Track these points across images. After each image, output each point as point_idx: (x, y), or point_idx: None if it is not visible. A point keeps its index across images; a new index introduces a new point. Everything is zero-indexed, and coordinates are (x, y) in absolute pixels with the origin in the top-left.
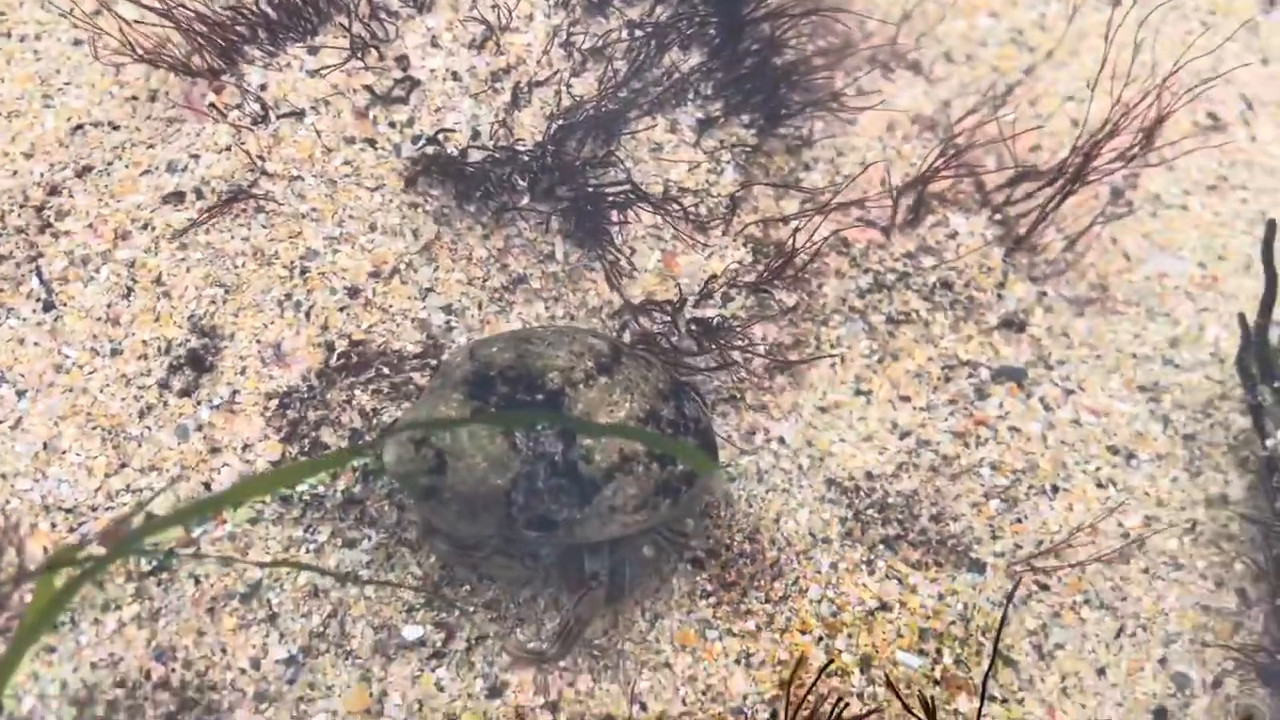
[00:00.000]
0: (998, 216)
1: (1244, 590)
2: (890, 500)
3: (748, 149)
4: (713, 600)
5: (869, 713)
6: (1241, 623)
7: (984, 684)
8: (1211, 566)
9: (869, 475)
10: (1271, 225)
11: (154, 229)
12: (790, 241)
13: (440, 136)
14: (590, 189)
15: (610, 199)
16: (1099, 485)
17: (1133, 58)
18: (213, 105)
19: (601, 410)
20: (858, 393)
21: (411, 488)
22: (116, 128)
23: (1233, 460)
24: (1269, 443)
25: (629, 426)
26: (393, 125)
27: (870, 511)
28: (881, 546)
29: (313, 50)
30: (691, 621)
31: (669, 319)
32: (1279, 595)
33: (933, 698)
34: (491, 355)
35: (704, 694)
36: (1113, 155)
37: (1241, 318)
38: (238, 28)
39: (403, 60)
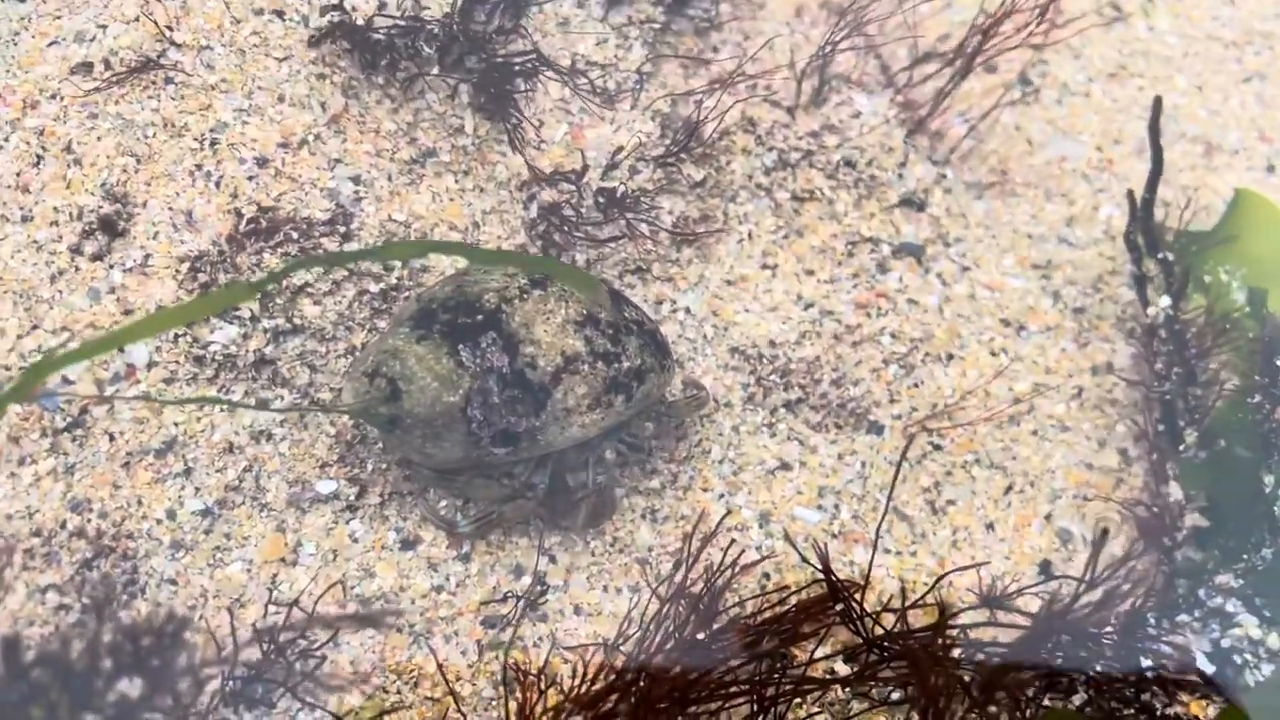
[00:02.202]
0: (900, 98)
1: (1125, 450)
2: (792, 366)
3: (656, 26)
4: (620, 461)
5: (763, 558)
6: (1123, 479)
7: (876, 536)
8: (1096, 429)
9: (772, 343)
10: (1158, 102)
11: (63, 99)
12: (695, 113)
13: (346, 4)
14: (498, 59)
15: (517, 68)
16: (991, 354)
17: None
18: None
19: (538, 319)
20: (764, 267)
21: (375, 420)
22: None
23: (1119, 331)
24: (1151, 311)
25: (508, 252)
26: None
27: (773, 377)
28: (783, 410)
29: None
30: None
31: (574, 189)
32: (1156, 451)
33: (825, 547)
34: (433, 292)
35: (611, 545)
36: (1013, 36)
37: (1130, 194)
38: None
39: None
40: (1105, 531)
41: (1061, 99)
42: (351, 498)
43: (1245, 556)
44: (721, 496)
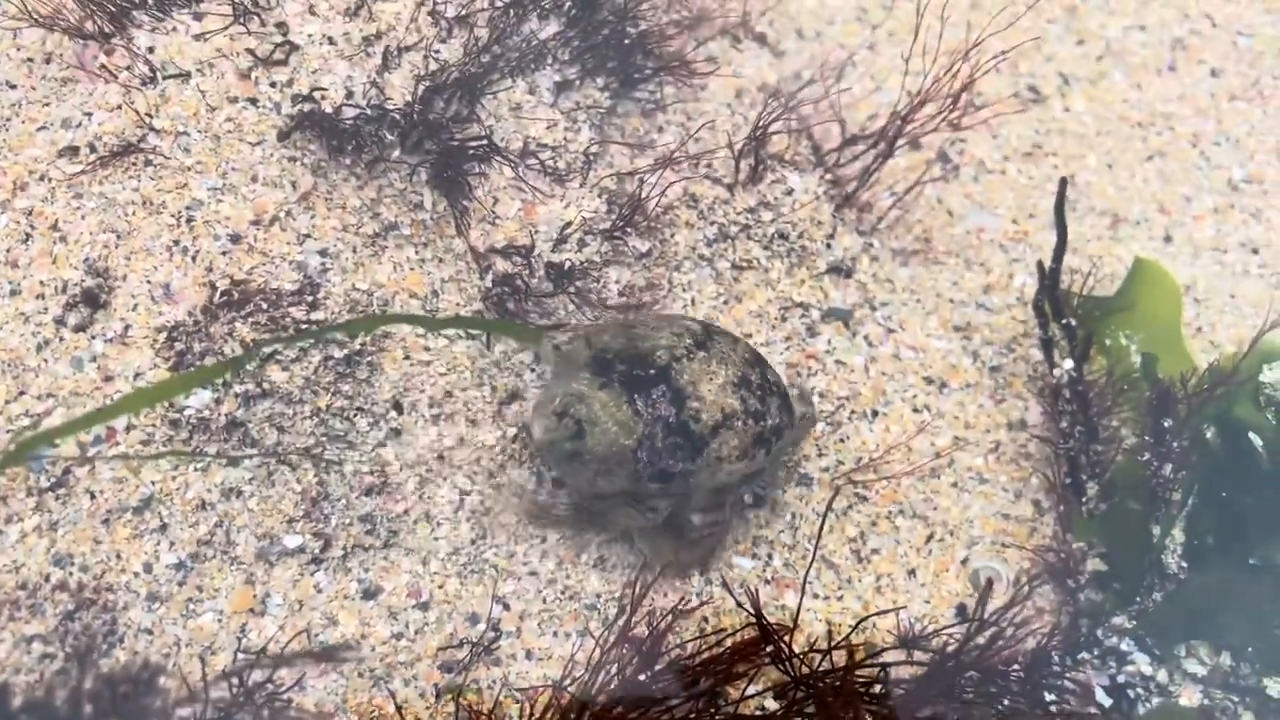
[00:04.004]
0: (829, 176)
1: (1038, 500)
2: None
3: (602, 110)
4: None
5: (702, 604)
6: (1036, 528)
7: (804, 583)
8: (1011, 480)
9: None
10: (1063, 183)
11: (50, 180)
12: (637, 190)
13: (316, 95)
14: (454, 144)
15: (470, 152)
16: (914, 410)
17: (939, 35)
18: (104, 67)
19: (704, 378)
20: None
21: (558, 453)
22: (14, 87)
23: (1031, 389)
24: (1056, 372)
25: (454, 317)
26: (273, 85)
27: None
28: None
29: (198, 16)
30: (566, 536)
31: (524, 262)
32: (1064, 504)
33: (756, 592)
34: (606, 343)
35: (562, 593)
36: (936, 119)
37: (1040, 264)
38: None
39: (282, 26)
40: (990, 582)
41: (978, 175)
42: (316, 551)
43: (1138, 600)
44: None
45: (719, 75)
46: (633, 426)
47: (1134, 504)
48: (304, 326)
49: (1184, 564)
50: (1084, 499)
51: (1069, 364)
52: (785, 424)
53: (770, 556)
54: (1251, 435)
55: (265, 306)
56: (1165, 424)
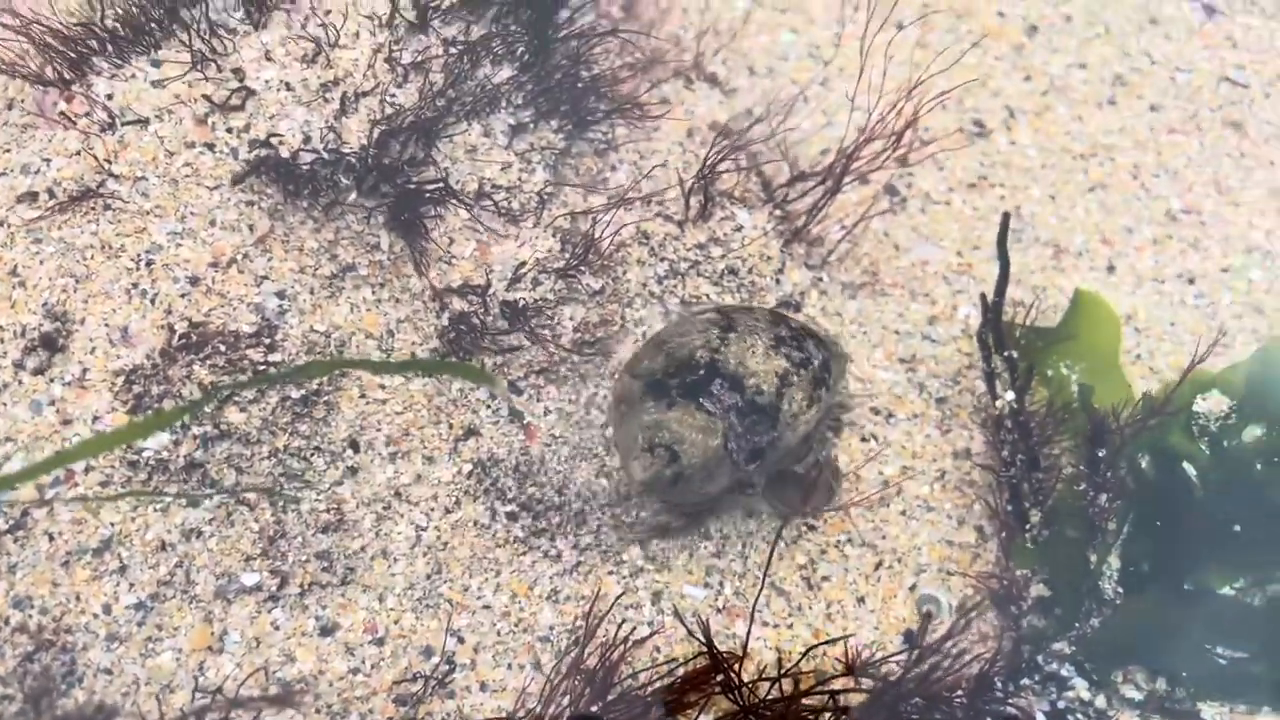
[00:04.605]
0: (778, 212)
1: (981, 527)
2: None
3: (556, 151)
4: (523, 548)
5: (653, 633)
6: (979, 554)
7: (752, 611)
8: (956, 508)
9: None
10: (1005, 218)
11: (9, 225)
12: (590, 229)
13: (272, 140)
14: (409, 186)
15: (426, 195)
16: (862, 439)
17: (884, 72)
18: (64, 113)
19: (747, 354)
20: None
21: (660, 485)
22: None
23: (976, 419)
24: (999, 403)
25: (406, 360)
26: (230, 131)
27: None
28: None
29: (156, 63)
30: (520, 569)
31: (479, 301)
32: (1006, 531)
33: (707, 621)
34: (648, 368)
35: (516, 625)
36: (881, 157)
37: (983, 297)
38: (88, 42)
39: (239, 72)
40: (929, 615)
41: (925, 207)
42: (274, 588)
43: (1077, 625)
44: (613, 573)
45: (670, 117)
46: (713, 426)
47: (1072, 532)
48: (262, 368)
49: (1120, 590)
50: (1027, 526)
51: (1011, 395)
52: (829, 356)
53: (722, 585)
54: (1185, 465)
55: (223, 349)
56: (1100, 454)
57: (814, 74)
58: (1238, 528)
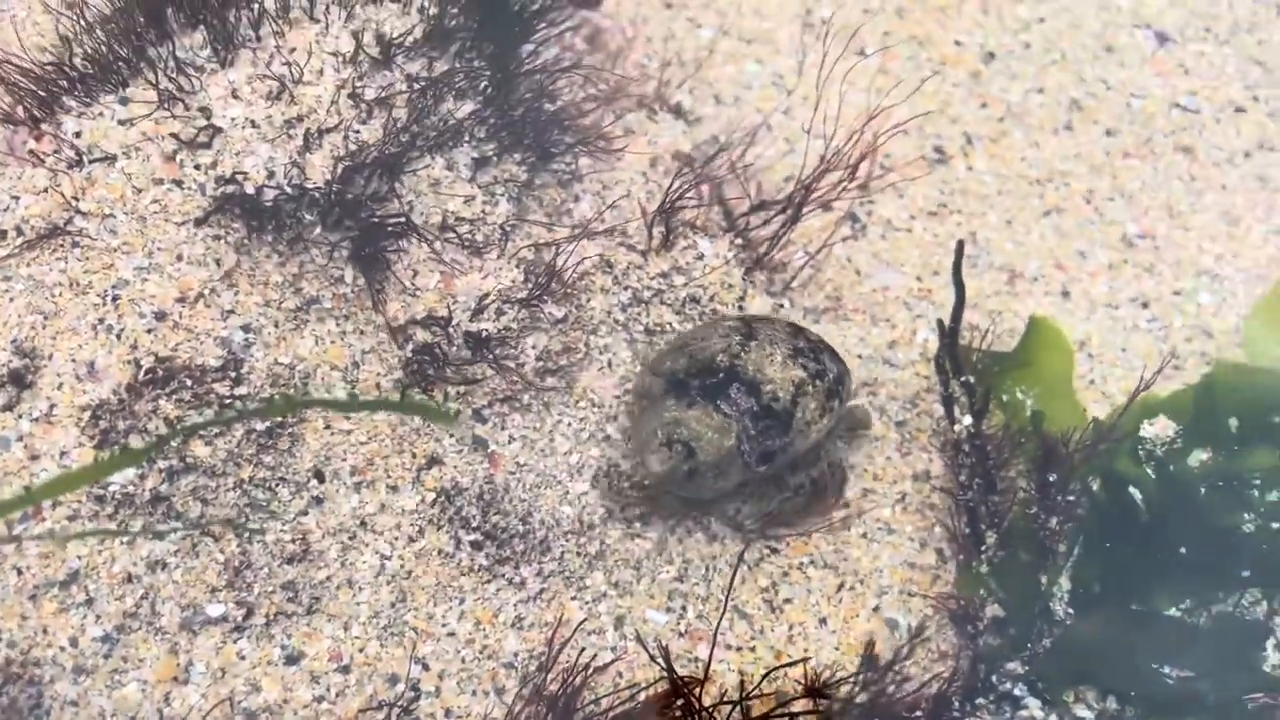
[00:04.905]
0: (740, 241)
1: (942, 549)
2: (647, 480)
3: (519, 184)
4: (487, 575)
5: (614, 659)
6: (939, 575)
7: (714, 634)
8: (917, 530)
9: (616, 469)
10: (960, 245)
11: None
12: (552, 259)
13: (237, 177)
14: (372, 221)
15: (389, 229)
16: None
17: (840, 101)
18: (32, 152)
19: (765, 363)
20: (626, 392)
21: (678, 476)
22: None
23: (935, 442)
24: (956, 428)
25: (377, 400)
26: (198, 168)
27: (630, 488)
28: (639, 524)
29: (124, 101)
30: (484, 597)
31: (442, 333)
32: (964, 553)
33: (667, 647)
34: (671, 367)
35: (481, 653)
36: (838, 187)
37: (940, 323)
38: (58, 81)
39: (206, 110)
40: (871, 644)
41: (886, 234)
42: (239, 619)
43: (1030, 645)
44: (576, 599)
45: (632, 150)
46: (728, 427)
47: (1025, 554)
48: (228, 401)
49: (1070, 611)
50: (984, 548)
51: (968, 419)
52: (844, 370)
53: (685, 609)
54: (1132, 489)
55: (189, 383)
56: (1050, 478)
57: (778, 103)
58: (1183, 550)
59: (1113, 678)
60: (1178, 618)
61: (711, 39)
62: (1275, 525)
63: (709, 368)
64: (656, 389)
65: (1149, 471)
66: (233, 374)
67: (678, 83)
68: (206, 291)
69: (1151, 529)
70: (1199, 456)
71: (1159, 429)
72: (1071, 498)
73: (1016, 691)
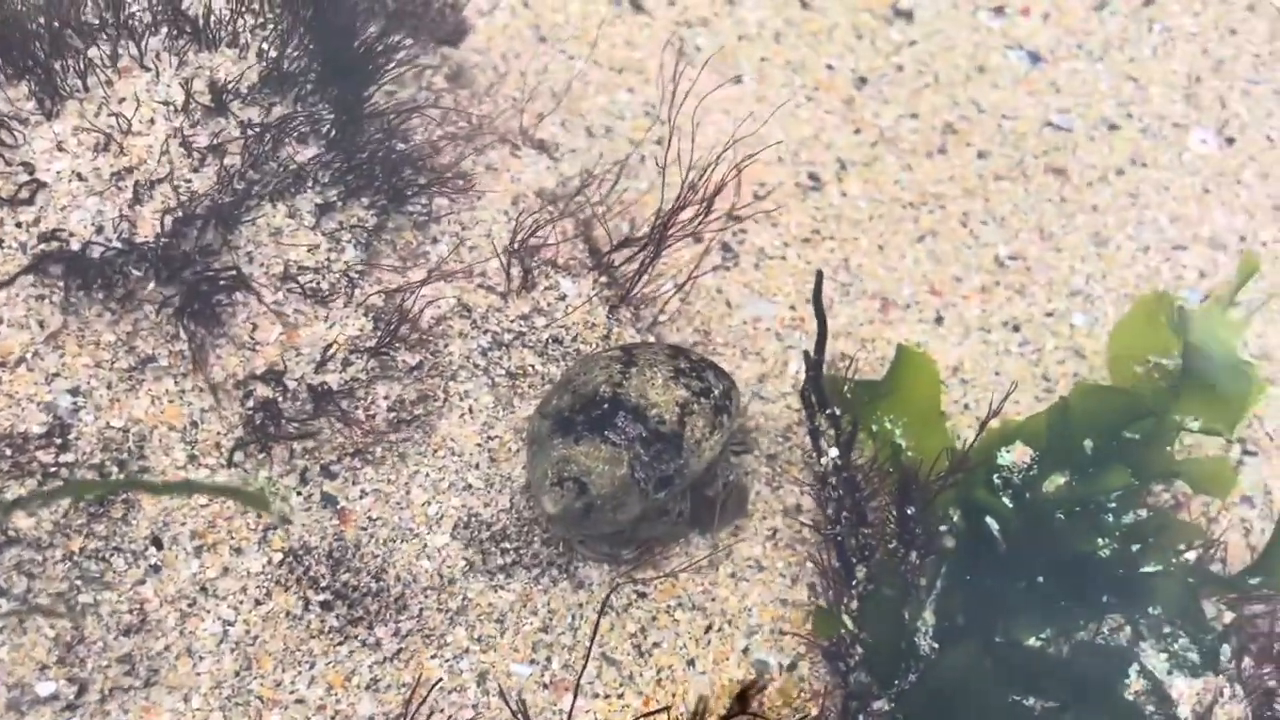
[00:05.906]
0: (603, 278)
1: (814, 584)
2: (509, 530)
3: (368, 229)
4: (338, 637)
5: (476, 715)
6: (812, 612)
7: (576, 684)
8: (789, 566)
9: (478, 518)
10: (819, 275)
11: None
12: (401, 303)
13: (60, 233)
14: (205, 275)
15: (220, 283)
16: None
17: (694, 134)
18: None
19: (649, 387)
20: (488, 438)
21: (571, 516)
22: None
23: (806, 476)
24: (823, 460)
25: (192, 482)
26: (19, 225)
27: (491, 543)
28: (501, 576)
29: None
30: (336, 660)
31: (280, 387)
32: (834, 588)
33: (523, 700)
34: (556, 406)
35: (333, 719)
36: (696, 220)
37: (806, 355)
38: None
39: (29, 165)
40: (749, 684)
41: (759, 263)
42: (71, 697)
43: (896, 682)
44: (436, 657)
45: (489, 188)
46: (619, 457)
47: (888, 589)
48: (53, 470)
49: (935, 645)
50: (854, 582)
51: (835, 451)
52: (730, 385)
53: (550, 660)
54: (988, 519)
55: (9, 451)
56: (909, 510)
57: (651, 132)
58: (1041, 579)
59: (978, 712)
60: (1039, 648)
61: (583, 70)
62: (1132, 548)
63: (592, 400)
64: (544, 430)
65: (1005, 500)
66: (58, 440)
67: (548, 116)
68: (29, 355)
69: (1010, 559)
70: (1055, 481)
71: (1017, 455)
72: (939, 529)
73: None
